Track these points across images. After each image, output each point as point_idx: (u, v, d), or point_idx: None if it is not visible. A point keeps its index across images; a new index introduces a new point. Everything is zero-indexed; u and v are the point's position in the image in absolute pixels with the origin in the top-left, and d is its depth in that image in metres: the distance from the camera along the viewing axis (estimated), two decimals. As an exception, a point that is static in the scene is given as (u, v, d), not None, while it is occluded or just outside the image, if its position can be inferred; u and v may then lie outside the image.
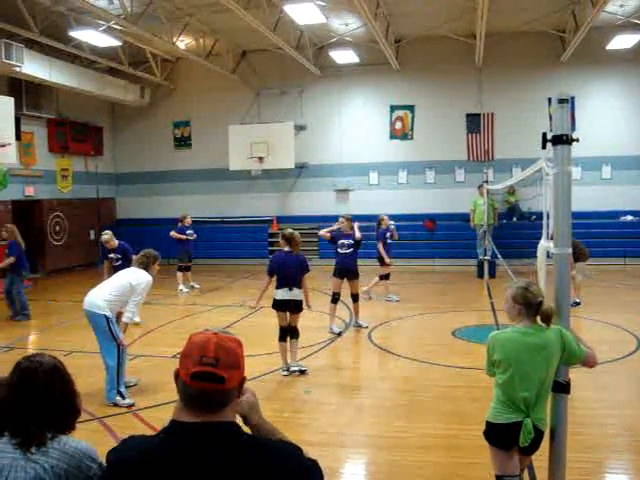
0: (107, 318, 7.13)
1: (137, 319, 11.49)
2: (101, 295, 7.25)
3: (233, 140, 20.27)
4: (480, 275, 16.32)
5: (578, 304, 12.25)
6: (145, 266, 7.51)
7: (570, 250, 3.77)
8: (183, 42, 17.94)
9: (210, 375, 1.90)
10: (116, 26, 15.46)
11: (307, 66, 19.35)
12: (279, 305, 8.26)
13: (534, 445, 3.77)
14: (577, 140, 3.68)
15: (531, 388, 3.68)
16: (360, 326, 10.95)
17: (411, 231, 13.88)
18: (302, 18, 15.50)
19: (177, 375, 2.00)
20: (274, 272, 8.31)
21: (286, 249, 8.36)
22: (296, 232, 8.50)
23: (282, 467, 1.92)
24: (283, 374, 8.21)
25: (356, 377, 8.71)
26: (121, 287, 7.31)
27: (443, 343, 9.85)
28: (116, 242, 11.46)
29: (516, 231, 18.27)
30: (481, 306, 12.68)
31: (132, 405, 7.05)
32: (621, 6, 16.42)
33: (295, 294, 8.22)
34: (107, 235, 11.63)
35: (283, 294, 8.19)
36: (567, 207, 3.74)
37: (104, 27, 15.49)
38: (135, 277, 7.38)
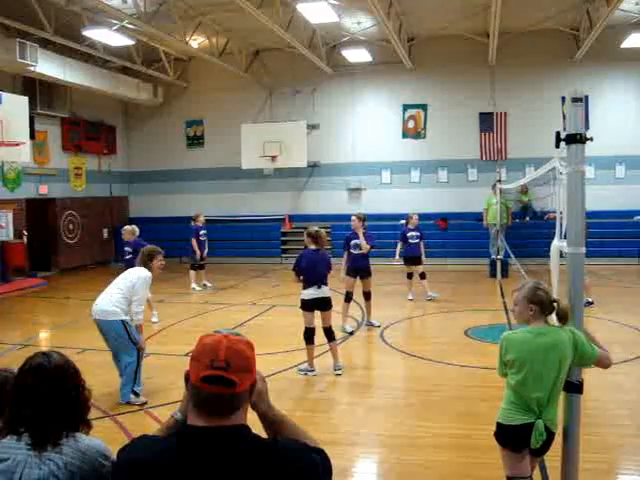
0: (124, 323, 7.05)
1: (155, 319, 11.64)
2: (112, 300, 7.12)
3: (245, 139, 20.30)
4: (492, 275, 16.27)
5: (591, 303, 12.22)
6: (143, 263, 7.43)
7: (584, 249, 3.75)
8: (196, 41, 18.00)
9: (221, 379, 1.88)
10: (129, 25, 15.53)
11: (319, 65, 19.35)
12: (308, 305, 8.21)
13: (545, 446, 3.75)
14: (591, 139, 3.66)
15: (544, 389, 3.67)
16: (372, 325, 10.94)
17: (423, 230, 13.80)
18: (315, 17, 15.50)
19: (187, 378, 1.98)
20: (302, 271, 8.23)
21: (312, 247, 8.30)
22: (322, 230, 8.48)
23: (291, 469, 1.91)
24: (300, 374, 8.22)
25: (368, 376, 8.69)
26: (125, 288, 7.20)
27: (456, 342, 9.82)
28: (134, 238, 11.64)
29: (529, 230, 18.19)
30: (493, 306, 12.63)
31: (145, 403, 7.08)
32: (637, 4, 16.32)
33: (324, 292, 8.21)
34: (129, 227, 11.99)
35: (312, 293, 8.15)
36: (580, 206, 3.72)
37: (117, 26, 15.56)
38: (134, 275, 7.30)
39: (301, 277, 8.27)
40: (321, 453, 2.07)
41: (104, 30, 15.66)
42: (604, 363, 3.85)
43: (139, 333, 7.21)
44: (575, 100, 3.64)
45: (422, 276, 13.35)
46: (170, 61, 20.46)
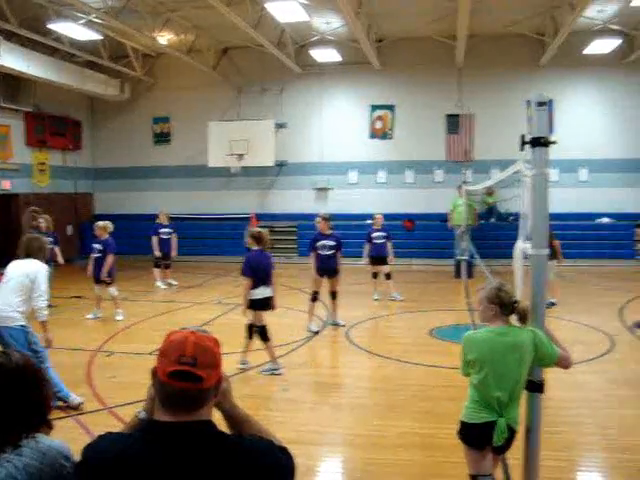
0: (25, 329, 6.42)
1: (119, 317, 11.54)
2: (8, 303, 6.37)
3: (213, 137, 20.22)
4: (458, 275, 16.40)
5: (553, 304, 12.42)
6: (30, 256, 6.70)
7: (547, 251, 3.81)
8: (164, 37, 17.83)
9: (188, 374, 1.89)
10: (96, 20, 15.36)
11: (288, 64, 19.36)
12: (260, 304, 8.26)
13: (507, 444, 3.81)
14: (555, 142, 3.72)
15: (505, 388, 3.72)
16: (338, 324, 10.96)
17: (390, 231, 13.90)
18: (284, 16, 15.49)
19: (154, 374, 1.99)
20: (253, 272, 8.26)
21: (256, 247, 8.36)
22: (264, 230, 8.58)
23: (256, 465, 1.93)
24: (240, 366, 8.35)
25: (333, 375, 8.72)
26: (21, 286, 6.44)
27: (421, 342, 9.90)
28: (105, 234, 11.51)
29: (494, 232, 18.39)
30: (458, 306, 12.75)
31: (80, 404, 6.85)
32: (599, 12, 16.61)
33: (270, 291, 8.33)
34: (102, 223, 11.85)
35: (262, 292, 8.22)
36: (544, 208, 3.78)
37: (84, 20, 15.39)
38: (28, 270, 6.53)
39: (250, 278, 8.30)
40: (285, 452, 2.08)
41: (70, 24, 15.45)
42: (564, 363, 3.91)
43: (46, 330, 6.57)
44: (540, 104, 3.69)
45: (387, 276, 13.44)
46: (138, 57, 20.25)
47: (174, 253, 15.70)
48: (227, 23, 15.50)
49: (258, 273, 8.24)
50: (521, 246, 3.96)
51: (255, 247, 8.37)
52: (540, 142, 3.66)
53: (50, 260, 12.61)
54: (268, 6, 14.57)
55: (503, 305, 3.82)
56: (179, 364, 1.90)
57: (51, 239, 12.60)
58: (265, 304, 8.32)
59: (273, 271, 8.44)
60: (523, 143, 3.69)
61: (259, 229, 8.64)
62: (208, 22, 17.20)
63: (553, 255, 11.97)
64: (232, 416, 2.20)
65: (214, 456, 1.89)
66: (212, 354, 1.98)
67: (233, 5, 14.30)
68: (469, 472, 3.89)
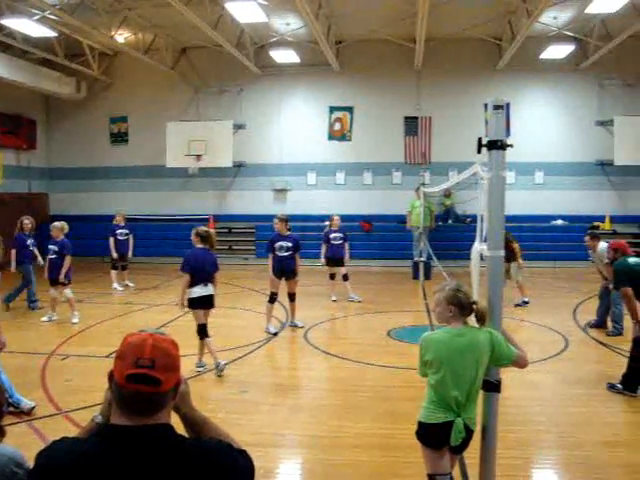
0: None
1: (75, 320, 11.35)
2: None
3: (171, 137, 20.07)
4: (415, 276, 16.54)
5: (526, 303, 12.81)
6: None
7: (503, 252, 3.86)
8: (122, 36, 17.62)
9: (146, 377, 1.86)
10: (51, 16, 15.06)
11: (247, 65, 19.30)
12: (197, 303, 8.30)
13: (464, 444, 3.85)
14: (511, 146, 3.77)
15: (462, 388, 3.75)
16: (296, 326, 10.96)
17: (347, 232, 13.97)
18: (243, 16, 15.44)
19: (111, 377, 1.96)
20: (191, 270, 8.29)
21: (200, 246, 8.39)
22: (211, 230, 8.64)
23: (214, 468, 1.92)
24: (197, 369, 8.35)
25: (292, 377, 8.71)
26: None
27: (378, 343, 9.95)
28: (62, 235, 11.38)
29: (452, 233, 18.60)
30: (416, 307, 12.85)
31: (33, 408, 6.67)
32: (554, 18, 16.92)
33: (209, 290, 8.34)
34: (58, 223, 11.66)
35: (200, 291, 8.25)
36: (500, 211, 3.82)
37: (38, 16, 15.08)
38: None
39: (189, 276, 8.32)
40: (244, 454, 2.07)
41: (24, 20, 15.11)
42: (521, 363, 3.96)
43: None
44: (497, 107, 3.74)
45: (345, 278, 13.50)
46: (94, 55, 19.96)
47: (130, 254, 15.55)
48: (186, 23, 15.40)
49: (197, 271, 8.25)
50: (478, 248, 4.00)
51: (200, 245, 8.40)
52: (497, 145, 3.71)
53: (33, 261, 12.72)
54: (227, 6, 14.51)
55: (461, 306, 3.85)
56: (137, 367, 1.87)
57: (32, 240, 12.69)
58: (203, 303, 8.32)
59: (217, 271, 8.46)
60: (480, 146, 3.74)
61: (207, 229, 8.66)
62: (166, 21, 17.05)
63: (513, 257, 12.29)
64: (190, 419, 2.18)
65: (172, 460, 1.87)
66: (170, 356, 1.96)
67: (192, 4, 14.21)
68: (427, 472, 3.92)
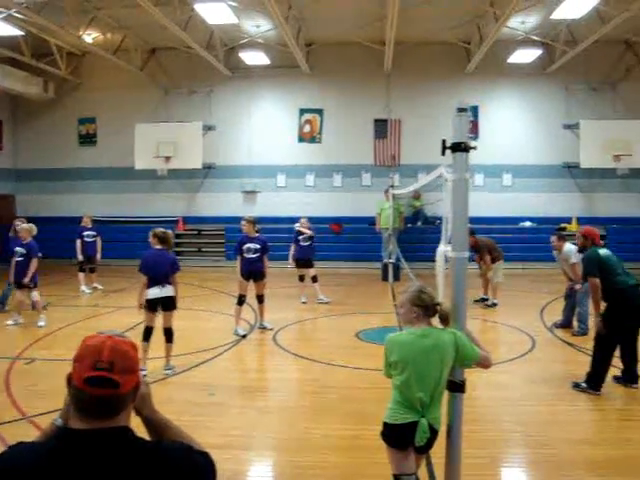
0: None
1: (41, 323, 11.20)
2: None
3: (139, 139, 19.93)
4: (385, 278, 16.60)
5: (495, 305, 13.02)
6: None
7: (467, 254, 3.90)
8: (90, 36, 17.45)
9: (104, 380, 1.84)
10: (18, 15, 14.84)
11: (217, 66, 19.25)
12: (152, 304, 8.24)
13: (429, 444, 3.87)
14: (474, 148, 3.81)
15: (426, 389, 3.78)
16: (265, 328, 10.94)
17: (317, 234, 14.03)
18: (213, 18, 15.40)
19: (69, 380, 1.93)
20: (147, 271, 8.24)
21: (158, 247, 8.31)
22: (169, 231, 8.50)
23: (174, 471, 1.89)
24: (165, 372, 8.24)
25: (260, 379, 8.71)
26: None
27: (347, 345, 9.98)
28: (29, 238, 11.23)
29: (421, 235, 18.69)
30: (385, 309, 12.89)
31: None
32: (522, 22, 17.13)
33: (168, 291, 8.24)
34: (26, 225, 11.60)
35: (156, 292, 8.18)
36: (464, 212, 3.85)
37: (4, 15, 14.84)
38: None
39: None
40: (205, 455, 2.05)
41: (-11, 18, 14.93)
42: (485, 364, 4.00)
43: None
44: (460, 110, 3.79)
45: (314, 279, 13.53)
46: (62, 55, 19.74)
47: (98, 256, 15.41)
48: (155, 23, 15.30)
49: (153, 272, 8.19)
50: (443, 249, 4.03)
51: (158, 246, 8.31)
52: (460, 147, 3.75)
53: None
54: (197, 7, 14.46)
55: (425, 307, 3.88)
56: (95, 370, 1.85)
57: None
58: (157, 305, 8.26)
59: (176, 272, 8.34)
60: (444, 148, 3.77)
61: (164, 230, 8.53)
62: (136, 22, 16.93)
63: (498, 257, 12.58)
64: (152, 422, 2.17)
65: (131, 463, 1.85)
66: (129, 359, 1.94)
67: (161, 5, 14.14)
68: (392, 472, 3.94)
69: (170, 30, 15.55)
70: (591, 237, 7.95)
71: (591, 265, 7.59)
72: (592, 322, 7.90)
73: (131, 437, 1.92)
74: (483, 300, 13.35)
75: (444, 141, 3.75)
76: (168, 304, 8.31)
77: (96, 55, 19.07)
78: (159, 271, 8.20)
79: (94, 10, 15.86)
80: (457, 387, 3.95)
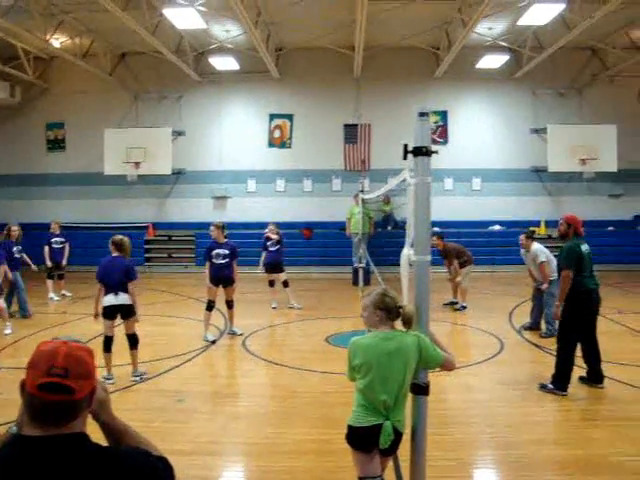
0: None
1: (8, 331, 11.04)
2: None
3: (109, 144, 19.79)
4: (355, 282, 16.63)
5: (464, 308, 13.13)
6: None
7: (429, 257, 3.92)
8: (58, 40, 17.31)
9: (58, 386, 1.82)
10: (-18, 18, 14.68)
11: (187, 71, 19.20)
12: (108, 312, 8.12)
13: (393, 446, 3.89)
14: (436, 152, 3.84)
15: (390, 391, 3.79)
16: (235, 333, 10.90)
17: (288, 239, 14.05)
18: (182, 23, 15.36)
19: (23, 386, 1.91)
20: (101, 278, 8.16)
21: (115, 254, 8.22)
22: (126, 238, 8.37)
23: (131, 476, 1.88)
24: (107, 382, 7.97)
25: (230, 385, 8.67)
26: None
27: (317, 349, 10.00)
28: None
29: (390, 239, 18.74)
30: (355, 313, 12.80)
31: None
32: (490, 28, 17.34)
33: (123, 299, 8.11)
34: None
35: (111, 300, 8.08)
36: (427, 216, 3.87)
37: (-32, 18, 14.69)
38: None
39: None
40: (163, 460, 2.04)
41: (-47, 22, 14.70)
42: (448, 366, 4.02)
43: None
44: (422, 114, 3.82)
45: (285, 284, 13.52)
46: (29, 59, 19.51)
47: (64, 262, 15.22)
48: (124, 28, 15.21)
49: (106, 280, 8.11)
50: (406, 253, 4.06)
51: (115, 254, 8.21)
52: (422, 151, 3.78)
53: (19, 268, 12.92)
54: (165, 12, 14.42)
55: (388, 310, 3.90)
56: (49, 375, 1.83)
57: (20, 247, 12.91)
58: (113, 313, 8.15)
59: (132, 280, 8.16)
60: (406, 152, 3.80)
61: (122, 237, 8.40)
62: (104, 26, 16.84)
63: (468, 262, 12.73)
64: (110, 427, 2.15)
65: (86, 470, 1.83)
66: (84, 364, 1.92)
67: (129, 10, 14.07)
68: (358, 475, 3.95)
69: (139, 35, 15.48)
70: (574, 224, 7.89)
71: (570, 257, 7.58)
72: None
73: (87, 443, 1.90)
74: (452, 303, 13.46)
75: (406, 145, 3.78)
76: (126, 312, 8.18)
77: (64, 59, 18.88)
78: (112, 278, 8.07)
79: (62, 14, 15.73)
80: (421, 390, 3.96)
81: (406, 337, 3.88)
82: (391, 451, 3.94)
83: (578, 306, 7.51)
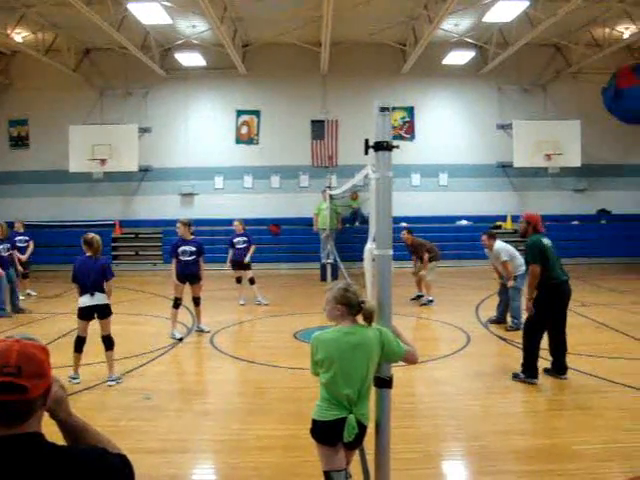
0: None
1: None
2: None
3: (74, 141, 19.51)
4: (323, 278, 16.67)
5: (431, 301, 13.26)
6: None
7: (391, 251, 3.96)
8: (20, 35, 17.00)
9: (12, 385, 1.79)
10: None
11: (152, 67, 19.04)
12: (84, 313, 7.94)
13: (358, 440, 3.92)
14: (397, 147, 3.87)
15: (353, 385, 3.82)
16: (202, 331, 10.86)
17: (256, 235, 14.04)
18: (147, 18, 15.24)
19: None
20: (76, 278, 7.99)
21: (89, 254, 8.03)
22: (97, 236, 8.15)
23: (88, 474, 1.86)
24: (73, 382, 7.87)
25: (197, 382, 8.64)
26: None
27: (285, 345, 10.02)
28: None
29: (358, 235, 18.79)
30: (323, 309, 12.95)
31: None
32: (456, 25, 17.47)
33: (99, 299, 7.93)
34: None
35: (86, 301, 7.89)
36: (388, 210, 3.90)
37: None
38: None
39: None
40: (121, 458, 2.02)
41: None
42: (411, 360, 4.05)
43: None
44: (382, 109, 3.85)
45: (251, 281, 13.51)
46: (-10, 55, 19.21)
47: (24, 258, 14.95)
48: (88, 23, 15.03)
49: (81, 281, 7.93)
50: (369, 247, 4.09)
51: (89, 253, 8.00)
52: (383, 146, 3.80)
53: (10, 265, 12.92)
54: (130, 7, 14.28)
55: (350, 305, 3.92)
56: (1, 375, 1.80)
57: (8, 245, 12.81)
58: (89, 314, 7.97)
59: (108, 279, 7.97)
60: (367, 147, 3.83)
61: (93, 235, 8.15)
62: (68, 21, 16.60)
63: (435, 257, 12.86)
64: (68, 425, 2.12)
65: (41, 469, 1.81)
66: (38, 362, 1.89)
67: (94, 4, 13.91)
68: (323, 468, 3.97)
69: (104, 30, 15.30)
70: (533, 222, 8.00)
71: (534, 252, 7.70)
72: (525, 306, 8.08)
73: (41, 443, 1.87)
74: (419, 297, 13.56)
75: (367, 140, 3.81)
76: (102, 312, 7.99)
77: (27, 55, 18.53)
78: (87, 279, 7.88)
79: (23, 8, 15.45)
80: (384, 383, 4.00)
81: (368, 331, 3.90)
82: (356, 444, 3.97)
83: (549, 298, 7.66)
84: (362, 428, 3.88)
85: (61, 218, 20.41)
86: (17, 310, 12.97)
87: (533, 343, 7.71)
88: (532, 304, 7.64)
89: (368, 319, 3.90)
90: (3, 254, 12.73)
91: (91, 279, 7.88)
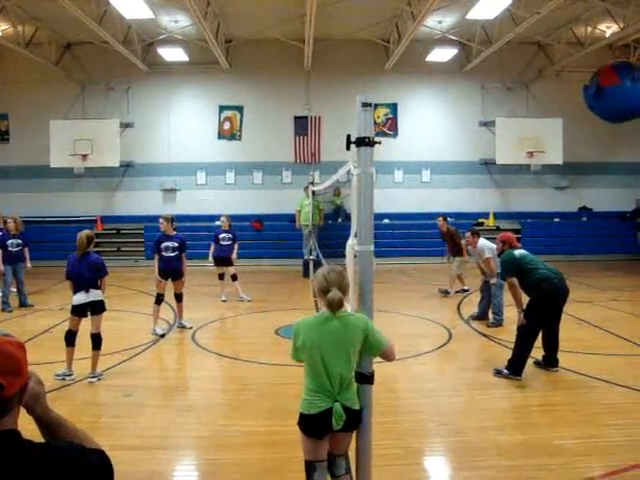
0: None
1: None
2: None
3: (55, 136, 19.36)
4: (306, 275, 16.65)
5: (466, 291, 13.73)
6: None
7: (372, 247, 3.96)
8: (-1, 28, 16.84)
9: None
10: None
11: (135, 62, 18.91)
12: (79, 310, 7.89)
13: (353, 423, 3.89)
14: (379, 142, 3.87)
15: (335, 372, 3.79)
16: (184, 327, 10.83)
17: (239, 232, 14.00)
18: (129, 12, 15.13)
19: None
20: (70, 276, 7.95)
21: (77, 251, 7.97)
22: (82, 232, 8.05)
23: (65, 471, 1.83)
24: (58, 378, 7.80)
25: (179, 378, 8.60)
26: None
27: (267, 341, 9.98)
28: None
29: (340, 231, 18.79)
30: (305, 305, 12.92)
31: None
32: (439, 22, 17.51)
33: (95, 295, 7.89)
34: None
35: (82, 298, 7.84)
36: (369, 206, 3.90)
37: None
38: None
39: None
40: (99, 454, 1.99)
41: None
42: (389, 355, 4.01)
43: None
44: (364, 105, 3.85)
45: (234, 278, 13.48)
46: (-31, 48, 18.96)
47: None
48: (70, 16, 14.88)
49: (74, 278, 7.89)
50: (351, 243, 4.09)
51: (78, 250, 7.96)
52: (364, 142, 3.80)
53: (21, 261, 12.96)
54: (112, 1, 14.16)
55: (325, 292, 3.90)
56: None
57: (20, 241, 12.71)
58: (84, 311, 7.91)
59: (102, 276, 7.97)
60: (349, 143, 3.82)
61: (88, 231, 8.13)
62: (49, 14, 16.45)
63: (459, 252, 12.95)
64: (45, 421, 2.08)
65: (18, 467, 1.77)
66: (14, 359, 1.85)
67: (75, -2, 13.78)
68: (305, 458, 3.97)
69: (86, 24, 15.16)
70: (508, 242, 8.43)
71: (506, 267, 8.08)
72: (509, 312, 8.21)
73: (18, 440, 1.84)
74: (464, 291, 13.93)
75: (349, 136, 3.80)
76: (97, 307, 7.94)
77: (7, 48, 18.30)
78: (80, 276, 7.83)
79: (3, 0, 15.27)
80: (366, 379, 3.98)
81: (352, 318, 3.89)
82: (350, 427, 3.92)
83: (541, 303, 7.77)
84: (353, 412, 3.85)
85: (42, 214, 20.24)
86: (24, 305, 13.00)
87: (526, 342, 7.75)
88: (523, 316, 7.72)
89: (330, 309, 3.87)
90: (12, 249, 12.63)
91: (85, 276, 7.83)
